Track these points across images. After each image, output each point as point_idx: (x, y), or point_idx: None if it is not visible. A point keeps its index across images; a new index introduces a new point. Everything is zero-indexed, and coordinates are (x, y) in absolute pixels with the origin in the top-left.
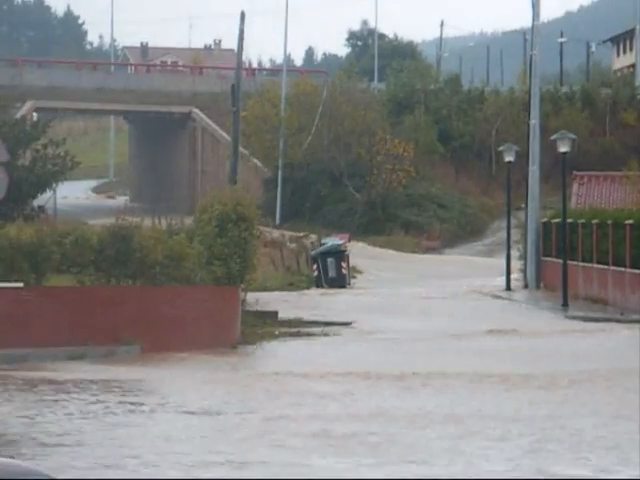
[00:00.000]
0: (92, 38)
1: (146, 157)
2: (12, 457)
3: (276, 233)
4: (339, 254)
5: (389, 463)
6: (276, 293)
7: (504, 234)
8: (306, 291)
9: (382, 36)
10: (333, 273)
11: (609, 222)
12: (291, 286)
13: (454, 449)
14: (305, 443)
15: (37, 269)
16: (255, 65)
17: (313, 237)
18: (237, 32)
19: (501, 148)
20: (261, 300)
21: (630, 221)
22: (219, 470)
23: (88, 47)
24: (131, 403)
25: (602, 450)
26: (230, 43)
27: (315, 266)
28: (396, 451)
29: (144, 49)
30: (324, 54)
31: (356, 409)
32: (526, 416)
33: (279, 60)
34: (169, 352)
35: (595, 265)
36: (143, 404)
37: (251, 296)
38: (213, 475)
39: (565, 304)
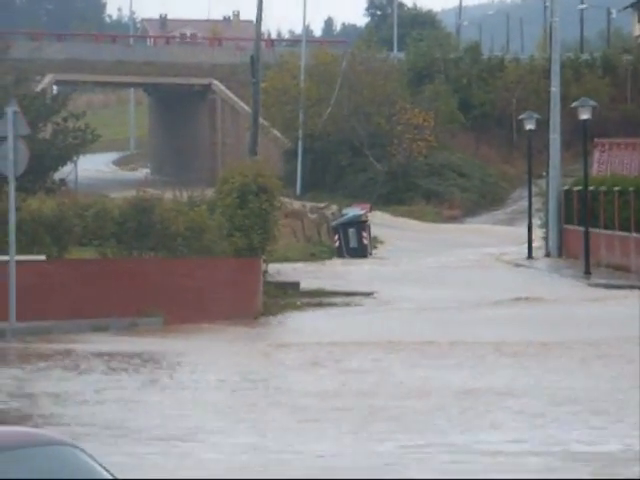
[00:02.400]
0: (111, 11)
1: (166, 129)
2: (36, 426)
3: (297, 204)
4: (360, 224)
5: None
6: (297, 264)
7: (525, 203)
8: (327, 261)
9: (401, 5)
10: (354, 243)
11: (631, 189)
12: (312, 257)
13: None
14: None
15: (59, 242)
16: (274, 36)
17: (334, 207)
18: (256, 3)
19: (522, 116)
20: (282, 271)
21: None
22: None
23: (107, 20)
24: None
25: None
26: (249, 14)
27: (336, 236)
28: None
29: (163, 21)
30: (343, 24)
31: (392, 382)
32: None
33: (298, 31)
34: (191, 323)
35: (617, 232)
36: (159, 378)
37: (272, 267)
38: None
39: (587, 272)
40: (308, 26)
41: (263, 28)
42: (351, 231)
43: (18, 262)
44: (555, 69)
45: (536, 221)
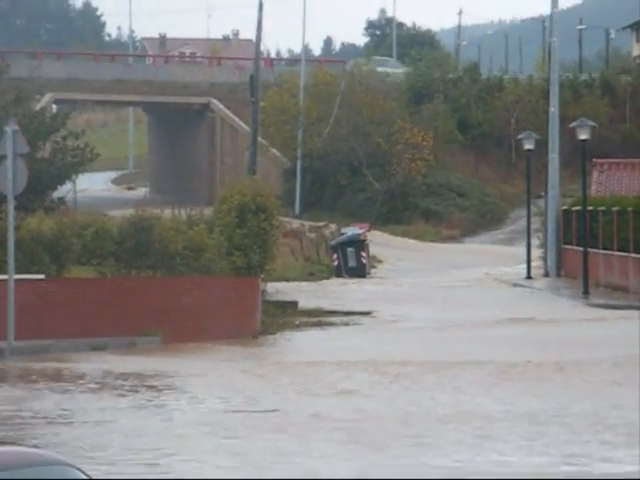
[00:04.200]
0: (110, 30)
1: (165, 148)
2: (36, 446)
3: (296, 223)
4: (359, 243)
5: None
6: (296, 283)
7: (524, 222)
8: (326, 281)
9: (400, 25)
10: (353, 263)
11: (630, 209)
12: (311, 276)
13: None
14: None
15: (58, 261)
16: (273, 55)
17: (333, 227)
18: (255, 22)
19: (520, 136)
20: (281, 290)
21: None
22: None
23: (106, 39)
24: (147, 399)
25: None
26: (248, 33)
27: (335, 256)
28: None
29: (162, 40)
30: (342, 44)
31: (389, 402)
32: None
33: (297, 50)
34: (190, 342)
35: (616, 253)
36: (158, 399)
37: (271, 286)
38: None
39: (586, 292)
40: (307, 45)
41: (262, 47)
42: (350, 250)
43: (17, 281)
44: (554, 89)
45: (535, 241)
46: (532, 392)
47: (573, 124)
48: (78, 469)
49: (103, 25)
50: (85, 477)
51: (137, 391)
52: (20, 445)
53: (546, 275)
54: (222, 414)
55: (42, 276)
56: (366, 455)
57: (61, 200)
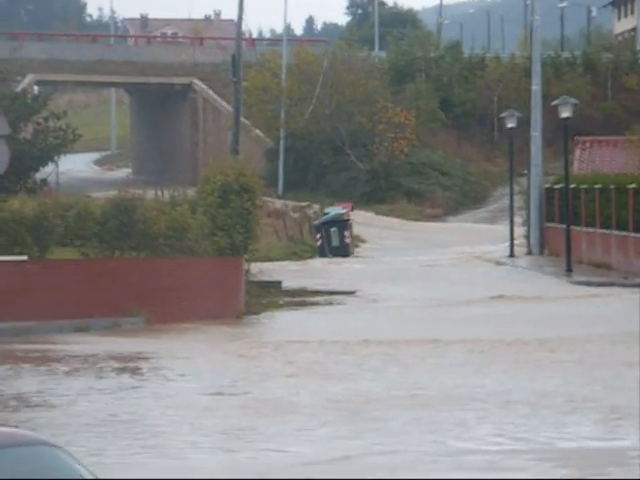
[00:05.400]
0: (91, 10)
1: (148, 129)
2: (17, 426)
3: (279, 203)
4: (342, 223)
5: None
6: (279, 263)
7: (507, 201)
8: (309, 261)
9: (382, 4)
10: (336, 242)
11: (612, 187)
12: (294, 256)
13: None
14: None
15: (40, 242)
16: (255, 35)
17: (316, 207)
18: (236, 2)
19: (503, 115)
20: (265, 270)
21: (633, 185)
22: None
23: (88, 19)
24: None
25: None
26: (230, 13)
27: (318, 235)
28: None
29: (144, 21)
30: (324, 23)
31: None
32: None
33: (279, 30)
34: (173, 323)
35: (598, 230)
36: (142, 379)
37: (255, 266)
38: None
39: (569, 269)
40: (289, 25)
41: (244, 27)
42: (333, 230)
43: None
44: (536, 67)
45: (518, 219)
46: (516, 370)
47: (555, 102)
48: (60, 448)
49: (84, 6)
50: (67, 457)
51: (119, 371)
52: (2, 425)
53: (529, 253)
54: (200, 394)
55: (25, 257)
56: (344, 434)
57: (43, 181)
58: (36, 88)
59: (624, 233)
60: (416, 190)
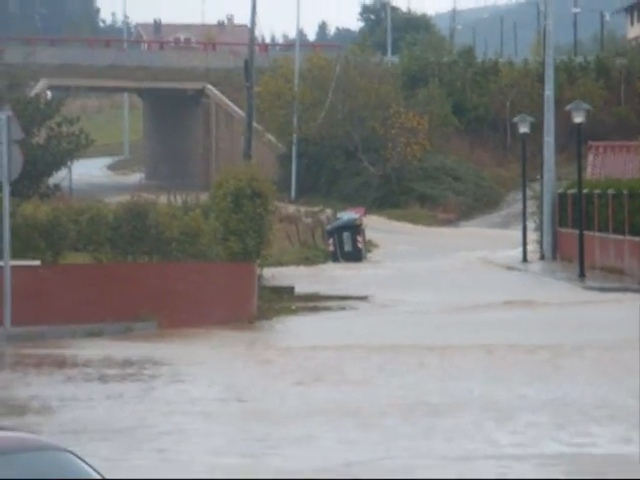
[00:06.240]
0: (105, 16)
1: (160, 134)
2: (30, 432)
3: (291, 208)
4: (355, 228)
5: None
6: (292, 268)
7: (520, 206)
8: (322, 266)
9: (395, 9)
10: (349, 247)
11: (625, 192)
12: (307, 261)
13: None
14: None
15: (53, 247)
16: (268, 40)
17: (328, 211)
18: (249, 7)
19: (516, 119)
20: (277, 275)
21: None
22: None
23: (101, 24)
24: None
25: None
26: (243, 19)
27: (331, 240)
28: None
29: (157, 26)
30: (337, 28)
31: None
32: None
33: (292, 35)
34: (186, 328)
35: (611, 235)
36: (152, 384)
37: (267, 271)
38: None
39: (582, 275)
40: (302, 30)
41: (257, 32)
42: (346, 235)
43: (13, 267)
44: (549, 72)
45: (530, 224)
46: (531, 375)
47: (568, 107)
48: (72, 453)
49: (97, 11)
50: (79, 461)
51: (131, 377)
52: (15, 430)
53: (542, 258)
54: (212, 399)
55: (38, 262)
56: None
57: (56, 186)
58: (49, 93)
59: (637, 238)
60: (429, 195)
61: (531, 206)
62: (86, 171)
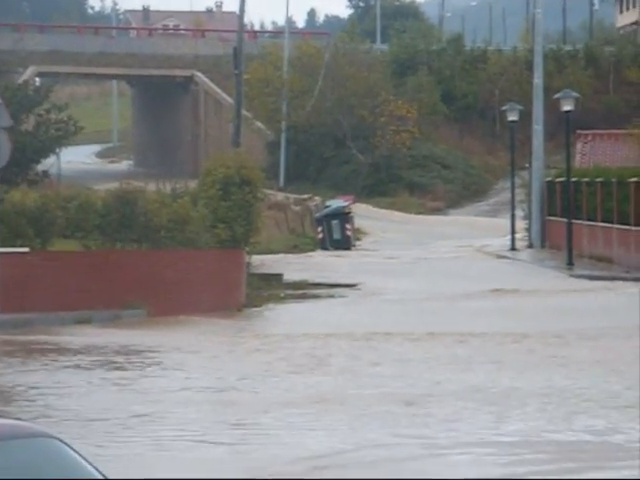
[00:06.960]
0: (93, 2)
1: (149, 121)
2: (18, 418)
3: (280, 196)
4: (343, 216)
5: None
6: (281, 256)
7: (508, 194)
8: (311, 253)
9: None
10: (338, 235)
11: (613, 180)
12: (296, 248)
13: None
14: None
15: (42, 234)
16: (257, 27)
17: (317, 199)
18: None
19: (504, 108)
20: (266, 263)
21: (634, 179)
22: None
23: (89, 11)
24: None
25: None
26: (232, 6)
27: (320, 228)
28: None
29: (146, 13)
30: (326, 16)
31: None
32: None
33: (281, 22)
34: (174, 315)
35: (600, 224)
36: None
37: (256, 259)
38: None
39: (570, 263)
40: (291, 17)
41: (246, 19)
42: (334, 223)
43: (1, 254)
44: (538, 61)
45: (519, 212)
46: (518, 365)
47: (557, 95)
48: (61, 441)
49: None
50: (69, 449)
51: (119, 364)
52: (3, 417)
53: (530, 246)
54: (200, 387)
55: (26, 249)
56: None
57: (45, 173)
58: (38, 80)
59: (625, 227)
60: (418, 183)
61: (520, 194)
62: (75, 158)
